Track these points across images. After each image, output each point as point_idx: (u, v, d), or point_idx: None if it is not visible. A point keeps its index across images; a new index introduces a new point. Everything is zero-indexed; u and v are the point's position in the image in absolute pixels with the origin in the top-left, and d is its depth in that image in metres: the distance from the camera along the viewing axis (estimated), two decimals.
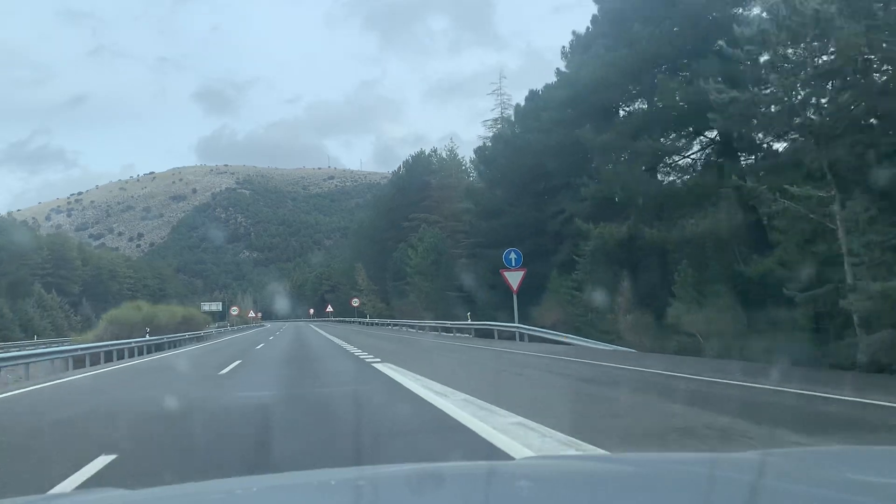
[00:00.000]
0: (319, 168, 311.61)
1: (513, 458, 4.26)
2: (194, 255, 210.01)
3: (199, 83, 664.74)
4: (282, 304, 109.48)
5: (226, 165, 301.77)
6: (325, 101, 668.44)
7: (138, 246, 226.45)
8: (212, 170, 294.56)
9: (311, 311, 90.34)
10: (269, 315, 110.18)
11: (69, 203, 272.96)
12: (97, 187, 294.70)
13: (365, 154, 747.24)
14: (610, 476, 1.78)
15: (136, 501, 1.77)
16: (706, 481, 1.61)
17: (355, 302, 58.48)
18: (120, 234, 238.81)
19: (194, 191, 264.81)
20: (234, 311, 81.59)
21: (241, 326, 66.21)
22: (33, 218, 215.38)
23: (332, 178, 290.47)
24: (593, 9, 24.33)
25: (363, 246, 68.95)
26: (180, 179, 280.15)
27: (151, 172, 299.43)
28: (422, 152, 60.21)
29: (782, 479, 1.57)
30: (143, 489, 2.01)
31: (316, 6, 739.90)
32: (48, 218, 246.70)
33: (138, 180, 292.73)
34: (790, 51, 12.24)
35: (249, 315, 71.29)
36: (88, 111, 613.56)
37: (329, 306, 73.21)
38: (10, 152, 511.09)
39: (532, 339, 20.52)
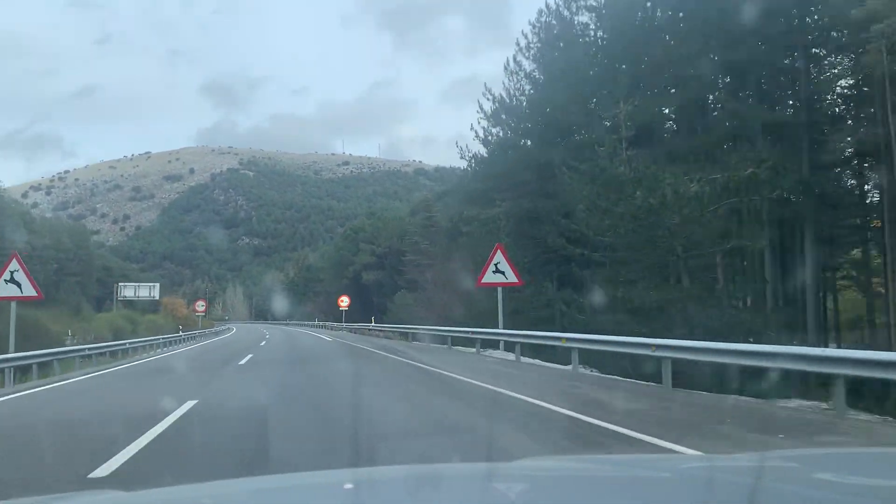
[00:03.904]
0: (333, 154, 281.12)
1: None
2: (185, 241, 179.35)
3: (208, 78, 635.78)
4: (280, 297, 77.32)
5: (230, 147, 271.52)
6: (338, 99, 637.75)
7: (122, 229, 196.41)
8: (213, 150, 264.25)
9: (346, 301, 43.81)
10: (263, 314, 79.56)
11: (51, 181, 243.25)
12: (86, 166, 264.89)
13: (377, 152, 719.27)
14: (608, 477, 1.76)
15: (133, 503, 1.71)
16: (704, 483, 1.59)
17: None
18: (103, 215, 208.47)
19: (192, 171, 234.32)
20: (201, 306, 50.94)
21: (96, 348, 20.08)
22: (8, 196, 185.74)
23: (346, 163, 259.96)
24: None
25: None
26: (177, 159, 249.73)
27: (147, 152, 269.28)
28: None
29: (780, 480, 1.54)
30: (141, 491, 1.94)
31: (331, 4, 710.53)
32: (25, 196, 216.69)
33: (131, 159, 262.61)
34: None
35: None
36: (93, 102, 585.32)
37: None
38: (10, 140, 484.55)
39: None
